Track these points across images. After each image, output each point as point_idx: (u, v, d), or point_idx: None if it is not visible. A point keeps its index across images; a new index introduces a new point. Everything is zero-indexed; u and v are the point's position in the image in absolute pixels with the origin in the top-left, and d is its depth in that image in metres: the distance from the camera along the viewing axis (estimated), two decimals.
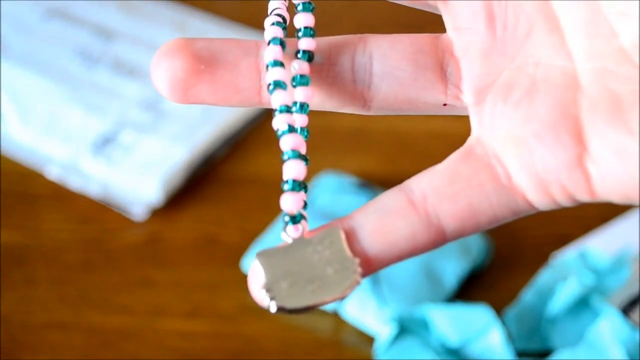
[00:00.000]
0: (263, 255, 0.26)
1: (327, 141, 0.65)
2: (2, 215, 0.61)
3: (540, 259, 0.56)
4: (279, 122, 0.27)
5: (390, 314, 0.53)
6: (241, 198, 0.63)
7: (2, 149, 0.66)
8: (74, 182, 0.63)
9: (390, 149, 0.65)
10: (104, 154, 0.64)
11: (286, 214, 0.27)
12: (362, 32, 0.29)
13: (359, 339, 0.54)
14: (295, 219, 0.27)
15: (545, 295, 0.54)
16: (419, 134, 0.66)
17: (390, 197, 0.28)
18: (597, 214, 0.59)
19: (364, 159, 0.65)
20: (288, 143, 0.27)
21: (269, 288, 0.26)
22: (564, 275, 0.54)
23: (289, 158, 0.27)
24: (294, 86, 0.28)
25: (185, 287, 0.57)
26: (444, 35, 0.29)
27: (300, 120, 0.28)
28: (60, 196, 0.63)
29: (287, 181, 0.27)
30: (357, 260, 0.26)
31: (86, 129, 0.66)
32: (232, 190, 0.63)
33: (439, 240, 0.27)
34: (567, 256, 0.55)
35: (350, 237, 0.27)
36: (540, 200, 0.27)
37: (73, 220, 0.62)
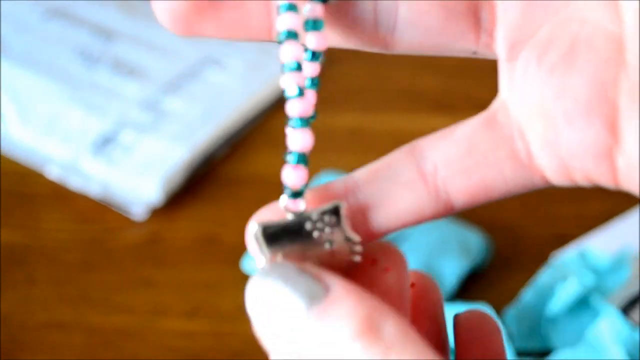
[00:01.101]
0: (262, 228, 0.25)
1: (327, 141, 0.65)
2: (2, 215, 0.61)
3: (540, 258, 0.56)
4: (288, 83, 0.25)
5: None
6: (241, 198, 0.63)
7: (2, 149, 0.66)
8: (74, 182, 0.63)
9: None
10: (104, 154, 0.64)
11: (288, 188, 0.25)
12: None
13: None
14: (297, 195, 0.26)
15: (545, 295, 0.54)
16: (419, 134, 0.65)
17: (401, 165, 0.26)
18: (597, 214, 0.59)
19: (364, 159, 0.64)
20: (296, 109, 0.25)
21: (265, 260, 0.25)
22: (564, 275, 0.54)
23: (295, 127, 0.25)
24: (306, 30, 0.25)
25: (185, 287, 0.57)
26: None
27: (310, 69, 0.26)
28: (60, 196, 0.63)
29: (291, 153, 0.25)
30: (357, 239, 0.26)
31: (86, 129, 0.66)
32: (232, 190, 0.63)
33: (446, 212, 0.26)
34: (567, 256, 0.55)
35: (356, 205, 0.26)
36: (558, 180, 0.25)
37: (73, 220, 0.62)
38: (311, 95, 0.26)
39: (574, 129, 0.24)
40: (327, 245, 0.25)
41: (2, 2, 0.75)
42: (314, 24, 0.25)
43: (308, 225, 0.25)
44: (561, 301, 0.53)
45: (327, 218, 0.25)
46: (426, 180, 0.26)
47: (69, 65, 0.71)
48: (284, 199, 0.26)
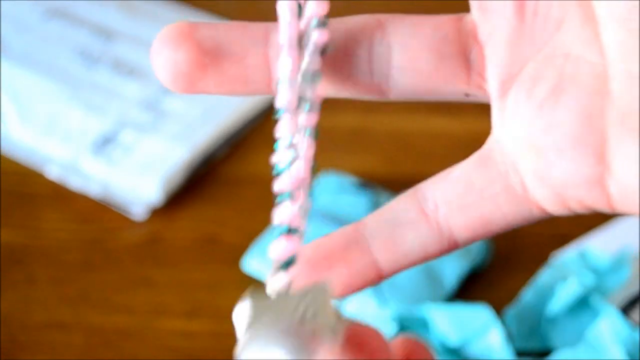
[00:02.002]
0: (255, 300, 0.25)
1: (327, 141, 0.64)
2: (2, 215, 0.61)
3: (540, 259, 0.56)
4: (280, 157, 0.25)
5: (390, 313, 0.53)
6: (241, 198, 0.63)
7: (2, 149, 0.66)
8: (74, 182, 0.63)
9: (391, 149, 0.65)
10: (104, 154, 0.64)
11: (275, 261, 0.26)
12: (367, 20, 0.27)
13: None
14: (284, 266, 0.26)
15: (545, 295, 0.54)
16: (419, 134, 0.66)
17: (403, 206, 0.27)
18: (597, 214, 0.59)
19: (364, 159, 0.65)
20: (284, 183, 0.25)
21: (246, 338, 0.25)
22: (564, 275, 0.54)
23: (282, 200, 0.25)
24: (304, 82, 0.26)
25: (185, 287, 0.57)
26: (467, 16, 0.26)
27: (307, 120, 0.26)
28: (60, 196, 0.63)
29: (278, 225, 0.25)
30: (339, 323, 0.25)
31: (86, 129, 0.66)
32: (232, 190, 0.63)
33: (450, 248, 0.27)
34: (567, 256, 0.55)
35: (362, 245, 0.27)
36: (555, 210, 0.26)
37: (73, 220, 0.62)
38: (301, 165, 0.26)
39: (565, 160, 0.25)
40: (308, 326, 0.25)
41: (2, 2, 0.75)
42: (312, 77, 0.26)
43: (294, 301, 0.25)
44: (561, 301, 0.53)
45: (310, 297, 0.25)
46: (428, 219, 0.27)
47: (69, 65, 0.71)
48: (271, 273, 0.26)
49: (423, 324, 0.53)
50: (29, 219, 0.62)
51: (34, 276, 0.58)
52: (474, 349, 0.52)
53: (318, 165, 0.69)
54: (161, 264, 0.59)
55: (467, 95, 0.27)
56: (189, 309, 0.56)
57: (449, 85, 0.27)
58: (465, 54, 0.26)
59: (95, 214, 0.62)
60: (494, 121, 0.27)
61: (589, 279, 0.53)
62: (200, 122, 0.66)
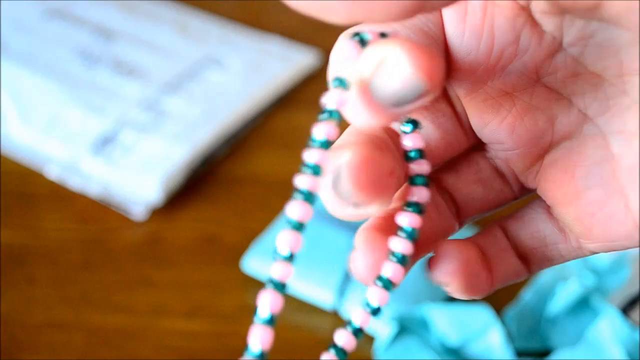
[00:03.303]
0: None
1: None
2: (2, 215, 0.61)
3: None
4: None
5: (390, 313, 0.53)
6: (241, 198, 0.63)
7: (2, 149, 0.66)
8: (74, 182, 0.63)
9: None
10: (104, 154, 0.64)
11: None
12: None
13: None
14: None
15: (545, 295, 0.54)
16: None
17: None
18: None
19: None
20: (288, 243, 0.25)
21: None
22: (564, 275, 0.54)
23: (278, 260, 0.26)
24: (409, 160, 0.27)
25: (185, 287, 0.57)
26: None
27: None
28: (60, 196, 0.63)
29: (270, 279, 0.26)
30: None
31: (86, 129, 0.66)
32: (232, 190, 0.63)
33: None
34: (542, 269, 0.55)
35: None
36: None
37: (73, 220, 0.62)
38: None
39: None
40: None
41: (2, 2, 0.75)
42: (416, 153, 0.27)
43: None
44: (561, 302, 0.53)
45: None
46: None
47: (69, 65, 0.71)
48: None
49: (423, 324, 0.53)
50: (29, 219, 0.62)
51: (34, 276, 0.58)
52: (473, 349, 0.52)
53: None
54: (161, 264, 0.59)
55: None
56: (189, 309, 0.56)
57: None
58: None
59: (95, 214, 0.62)
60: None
61: (589, 280, 0.53)
62: (200, 122, 0.66)
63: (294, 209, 0.25)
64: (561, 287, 0.53)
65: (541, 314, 0.54)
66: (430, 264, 0.28)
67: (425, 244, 0.28)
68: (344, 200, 0.25)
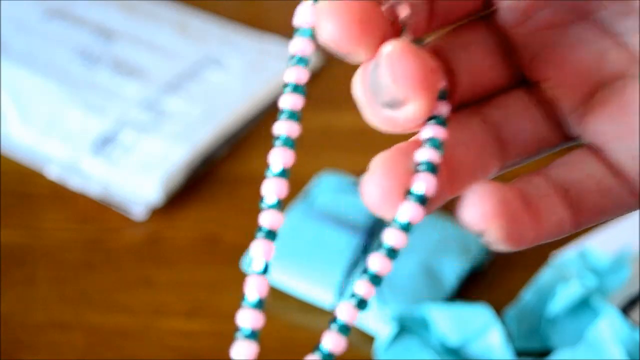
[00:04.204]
0: None
1: (327, 141, 0.65)
2: (2, 215, 0.61)
3: (540, 258, 0.56)
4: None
5: (390, 313, 0.53)
6: (241, 198, 0.63)
7: (2, 149, 0.66)
8: (74, 182, 0.63)
9: None
10: (104, 154, 0.64)
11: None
12: None
13: (359, 338, 0.54)
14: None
15: (545, 295, 0.54)
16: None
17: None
18: None
19: (364, 159, 0.64)
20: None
21: None
22: (564, 275, 0.54)
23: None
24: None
25: (185, 287, 0.57)
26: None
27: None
28: (60, 196, 0.63)
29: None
30: None
31: (86, 128, 0.66)
32: (232, 190, 0.63)
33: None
34: (567, 256, 0.55)
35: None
36: None
37: (73, 220, 0.62)
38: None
39: None
40: None
41: (2, 2, 0.75)
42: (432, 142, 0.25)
43: None
44: (562, 302, 0.53)
45: None
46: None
47: (69, 65, 0.71)
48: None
49: (423, 324, 0.53)
50: (29, 219, 0.62)
51: (34, 276, 0.58)
52: (474, 349, 0.52)
53: (318, 165, 0.69)
54: (161, 264, 0.59)
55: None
56: (189, 309, 0.56)
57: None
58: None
59: (95, 214, 0.62)
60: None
61: (590, 280, 0.53)
62: (200, 122, 0.66)
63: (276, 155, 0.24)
64: (562, 288, 0.53)
65: (541, 314, 0.54)
66: (463, 208, 0.24)
67: (457, 182, 0.26)
68: (379, 97, 0.24)
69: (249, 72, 0.71)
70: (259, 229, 0.25)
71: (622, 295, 0.54)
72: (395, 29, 0.25)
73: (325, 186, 0.60)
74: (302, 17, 0.24)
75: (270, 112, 0.68)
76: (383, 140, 0.72)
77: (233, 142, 0.67)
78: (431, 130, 0.25)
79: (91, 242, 0.60)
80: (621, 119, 0.26)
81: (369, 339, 0.54)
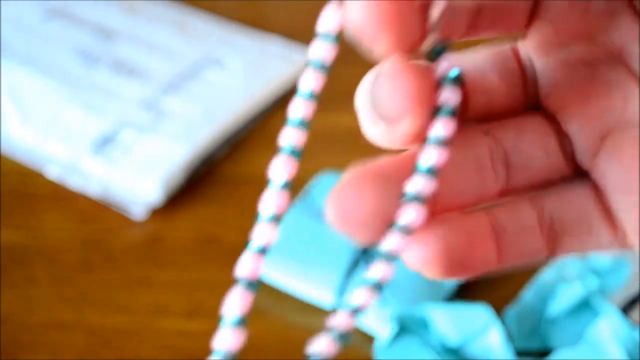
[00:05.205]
0: None
1: (327, 141, 0.65)
2: (2, 215, 0.61)
3: None
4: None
5: (390, 313, 0.53)
6: (241, 198, 0.63)
7: (2, 149, 0.66)
8: (74, 182, 0.63)
9: (390, 149, 0.65)
10: (103, 154, 0.64)
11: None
12: None
13: (359, 338, 0.54)
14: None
15: (546, 295, 0.54)
16: None
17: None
18: None
19: (363, 159, 0.64)
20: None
21: None
22: (564, 276, 0.54)
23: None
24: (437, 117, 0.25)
25: (185, 287, 0.57)
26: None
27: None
28: (60, 196, 0.63)
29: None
30: None
31: (86, 128, 0.66)
32: (232, 190, 0.63)
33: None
34: (567, 256, 0.55)
35: None
36: None
37: (73, 220, 0.62)
38: None
39: None
40: None
41: (2, 2, 0.75)
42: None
43: None
44: (563, 303, 0.53)
45: None
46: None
47: (69, 65, 0.71)
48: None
49: (423, 324, 0.53)
50: (29, 219, 0.62)
51: (34, 276, 0.58)
52: (473, 349, 0.52)
53: (318, 165, 0.69)
54: (161, 264, 0.59)
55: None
56: (189, 309, 0.56)
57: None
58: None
59: (95, 214, 0.62)
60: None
61: (591, 281, 0.53)
62: (200, 122, 0.66)
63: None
64: (562, 288, 0.53)
65: (541, 314, 0.54)
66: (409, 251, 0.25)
67: (445, 203, 0.26)
68: (377, 112, 0.24)
69: (249, 72, 0.71)
70: (250, 243, 0.25)
71: (622, 295, 0.54)
72: (427, 25, 0.24)
73: (325, 186, 0.60)
74: (327, 20, 0.24)
75: (270, 112, 0.68)
76: None
77: (233, 142, 0.67)
78: (428, 155, 0.25)
79: (91, 242, 0.60)
80: (631, 168, 0.26)
81: (369, 339, 0.54)
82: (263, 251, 0.24)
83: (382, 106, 0.24)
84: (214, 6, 0.77)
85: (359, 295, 0.25)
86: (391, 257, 0.24)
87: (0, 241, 0.60)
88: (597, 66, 0.26)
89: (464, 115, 0.26)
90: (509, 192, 0.27)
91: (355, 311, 0.25)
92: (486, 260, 0.26)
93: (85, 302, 0.57)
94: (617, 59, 0.26)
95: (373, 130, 0.25)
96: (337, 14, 0.24)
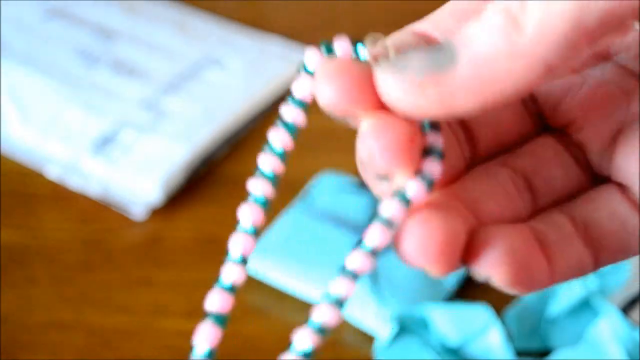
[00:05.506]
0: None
1: (327, 141, 0.65)
2: (2, 215, 0.61)
3: None
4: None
5: (390, 313, 0.53)
6: (241, 198, 0.62)
7: (2, 149, 0.66)
8: (74, 182, 0.63)
9: None
10: (103, 154, 0.64)
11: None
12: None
13: (359, 338, 0.54)
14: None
15: (546, 295, 0.54)
16: None
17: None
18: None
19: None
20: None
21: None
22: None
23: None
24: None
25: (185, 287, 0.57)
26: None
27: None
28: (60, 196, 0.63)
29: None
30: None
31: (86, 129, 0.66)
32: (232, 190, 0.63)
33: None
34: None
35: None
36: None
37: (73, 220, 0.62)
38: None
39: None
40: None
41: (2, 2, 0.75)
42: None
43: None
44: (562, 303, 0.53)
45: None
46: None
47: (69, 65, 0.71)
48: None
49: (423, 324, 0.53)
50: (29, 219, 0.62)
51: (34, 276, 0.58)
52: (473, 349, 0.52)
53: (318, 165, 0.69)
54: (161, 264, 0.59)
55: None
56: (189, 309, 0.56)
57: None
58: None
59: (95, 214, 0.62)
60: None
61: (591, 281, 0.53)
62: (200, 122, 0.66)
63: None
64: (562, 288, 0.53)
65: (541, 314, 0.54)
66: (469, 252, 0.25)
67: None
68: (370, 168, 0.25)
69: (249, 73, 0.71)
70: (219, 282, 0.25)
71: (622, 295, 0.54)
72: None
73: (325, 186, 0.60)
74: (300, 86, 0.24)
75: (270, 112, 0.68)
76: None
77: (233, 142, 0.67)
78: (408, 190, 0.25)
79: (91, 242, 0.60)
80: None
81: (369, 339, 0.54)
82: (232, 290, 0.24)
83: (371, 167, 0.24)
84: (214, 6, 0.77)
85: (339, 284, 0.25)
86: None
87: (0, 241, 0.60)
88: (590, 71, 0.27)
89: (476, 152, 0.27)
90: (538, 214, 0.27)
91: (338, 303, 0.25)
92: (541, 273, 0.25)
93: (85, 302, 0.57)
94: (606, 58, 0.27)
95: (373, 187, 0.25)
96: (308, 84, 0.24)
